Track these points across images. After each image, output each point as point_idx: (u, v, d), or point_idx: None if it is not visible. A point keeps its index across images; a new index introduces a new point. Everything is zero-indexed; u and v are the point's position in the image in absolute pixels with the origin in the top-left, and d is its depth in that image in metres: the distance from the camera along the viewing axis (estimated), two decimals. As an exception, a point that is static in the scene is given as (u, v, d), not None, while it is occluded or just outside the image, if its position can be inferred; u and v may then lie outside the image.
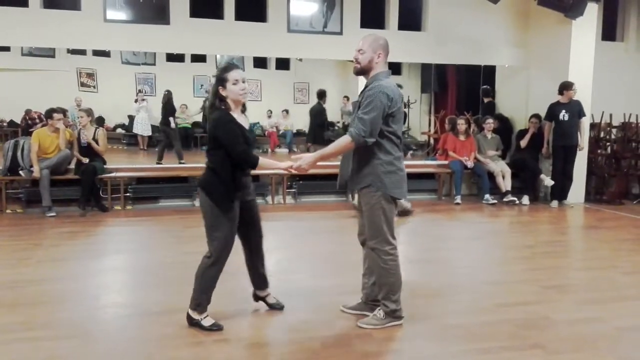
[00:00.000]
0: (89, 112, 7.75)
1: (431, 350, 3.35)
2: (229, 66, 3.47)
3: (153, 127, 15.38)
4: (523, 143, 8.86)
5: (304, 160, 3.48)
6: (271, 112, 16.29)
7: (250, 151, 3.48)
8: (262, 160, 3.50)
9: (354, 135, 3.37)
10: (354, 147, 3.46)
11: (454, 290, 4.50)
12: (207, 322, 3.56)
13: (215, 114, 3.43)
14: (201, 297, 3.55)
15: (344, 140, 3.44)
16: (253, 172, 3.66)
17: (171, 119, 11.22)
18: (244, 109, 3.58)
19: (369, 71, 3.53)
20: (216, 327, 3.54)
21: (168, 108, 11.33)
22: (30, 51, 14.29)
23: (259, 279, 3.91)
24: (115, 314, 3.92)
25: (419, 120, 15.51)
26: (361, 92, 3.57)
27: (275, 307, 3.93)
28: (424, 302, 4.22)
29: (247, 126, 3.54)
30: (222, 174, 3.43)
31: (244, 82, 3.46)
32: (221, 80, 3.42)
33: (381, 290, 3.62)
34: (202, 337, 3.45)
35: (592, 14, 8.56)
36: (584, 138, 8.52)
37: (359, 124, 3.37)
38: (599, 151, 9.19)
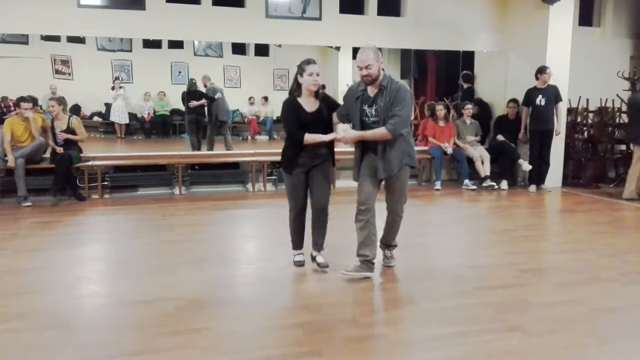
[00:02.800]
0: (60, 100, 7.60)
1: (412, 334, 3.37)
2: (309, 60, 4.22)
3: (130, 114, 15.21)
4: (522, 136, 8.91)
5: (349, 133, 4.24)
6: (253, 99, 16.15)
7: (296, 131, 4.24)
8: (307, 136, 4.20)
9: (391, 130, 4.02)
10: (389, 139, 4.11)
11: (434, 274, 4.53)
12: (296, 257, 4.63)
13: (284, 100, 4.34)
14: (291, 237, 4.65)
15: (382, 132, 4.05)
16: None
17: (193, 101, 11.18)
18: (317, 96, 4.33)
19: (378, 78, 4.09)
20: (298, 264, 4.59)
21: (191, 97, 11.19)
22: (2, 38, 13.93)
23: (313, 241, 4.61)
24: (94, 304, 3.88)
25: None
26: (380, 92, 4.10)
27: (322, 266, 4.50)
28: (405, 286, 4.25)
29: (311, 109, 4.29)
30: (286, 145, 4.37)
31: (317, 75, 4.19)
32: (301, 70, 4.22)
33: (394, 237, 4.59)
34: (182, 326, 3.43)
35: (569, -1, 8.63)
36: (560, 123, 8.61)
37: (399, 122, 4.03)
38: (575, 136, 9.29)
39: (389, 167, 4.17)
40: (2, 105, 12.95)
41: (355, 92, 4.23)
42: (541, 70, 8.37)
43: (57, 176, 7.18)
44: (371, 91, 4.16)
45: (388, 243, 4.62)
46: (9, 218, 6.50)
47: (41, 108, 9.59)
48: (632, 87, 9.12)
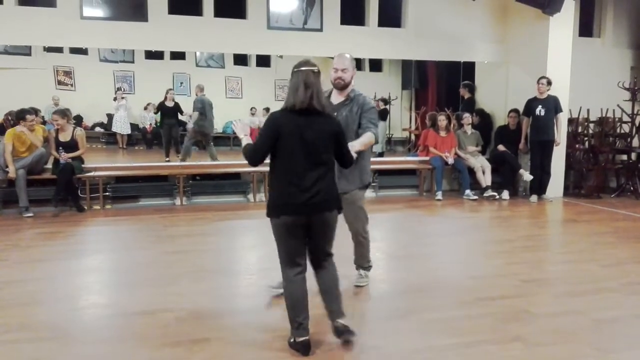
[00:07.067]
0: (62, 113, 7.61)
1: (413, 345, 3.36)
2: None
3: (132, 125, 15.27)
4: (522, 147, 8.92)
5: (356, 146, 3.70)
6: (255, 110, 16.22)
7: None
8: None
9: (375, 134, 3.98)
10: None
11: (435, 285, 4.52)
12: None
13: None
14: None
15: (370, 137, 3.92)
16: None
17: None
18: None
19: (349, 85, 4.05)
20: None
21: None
22: (5, 49, 14.04)
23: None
24: (95, 315, 3.87)
25: (400, 117, 15.57)
26: (346, 101, 4.05)
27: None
28: (406, 297, 4.24)
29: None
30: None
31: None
32: None
33: (366, 258, 4.41)
34: (183, 337, 3.42)
35: (569, 10, 8.66)
36: (560, 133, 8.61)
37: (375, 129, 4.01)
38: (577, 146, 9.29)
39: (346, 184, 4.00)
40: (9, 119, 12.98)
41: None
42: (537, 81, 8.42)
43: (59, 186, 7.19)
44: (335, 99, 4.06)
45: (360, 264, 4.46)
46: (10, 229, 6.50)
47: (43, 119, 9.62)
48: (633, 98, 9.13)
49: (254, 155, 3.24)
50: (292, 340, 3.25)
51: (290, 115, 3.16)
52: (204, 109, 10.83)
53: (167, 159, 11.24)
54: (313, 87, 3.15)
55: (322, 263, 3.37)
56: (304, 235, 3.26)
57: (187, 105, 12.05)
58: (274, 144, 3.17)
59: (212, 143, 11.17)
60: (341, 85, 4.01)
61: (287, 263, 3.31)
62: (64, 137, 7.49)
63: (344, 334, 3.29)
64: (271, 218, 3.25)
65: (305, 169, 3.15)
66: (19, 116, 7.39)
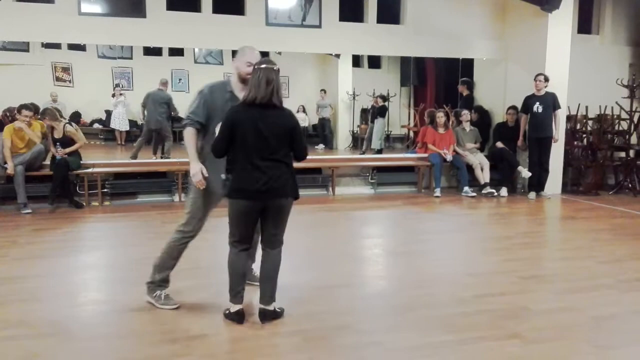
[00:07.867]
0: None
1: (411, 342, 3.36)
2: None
3: (130, 121, 15.24)
4: (520, 144, 8.91)
5: None
6: None
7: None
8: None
9: None
10: None
11: (433, 281, 4.53)
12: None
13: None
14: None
15: None
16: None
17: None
18: None
19: None
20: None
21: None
22: (3, 45, 14.00)
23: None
24: (93, 311, 3.88)
25: (399, 114, 15.55)
26: None
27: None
28: (404, 293, 4.24)
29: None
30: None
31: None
32: None
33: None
34: (181, 334, 3.43)
35: (568, 7, 8.65)
36: (558, 130, 8.61)
37: None
38: (575, 143, 9.30)
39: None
40: (8, 115, 12.96)
41: (223, 94, 3.69)
42: (534, 78, 8.42)
43: (55, 182, 7.19)
44: (240, 94, 3.64)
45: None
46: (8, 225, 6.50)
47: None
48: (631, 95, 9.14)
49: (216, 148, 3.50)
50: (227, 311, 3.59)
51: (246, 108, 3.41)
52: (146, 103, 10.39)
53: (164, 155, 11.16)
54: (274, 83, 3.40)
55: (268, 247, 3.61)
56: (255, 221, 3.55)
57: (184, 102, 11.94)
58: (232, 136, 3.41)
59: (166, 140, 10.64)
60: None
61: (233, 242, 3.59)
62: (57, 133, 7.47)
63: (267, 319, 3.57)
64: (228, 199, 3.51)
65: (258, 158, 3.39)
66: (18, 111, 7.40)
